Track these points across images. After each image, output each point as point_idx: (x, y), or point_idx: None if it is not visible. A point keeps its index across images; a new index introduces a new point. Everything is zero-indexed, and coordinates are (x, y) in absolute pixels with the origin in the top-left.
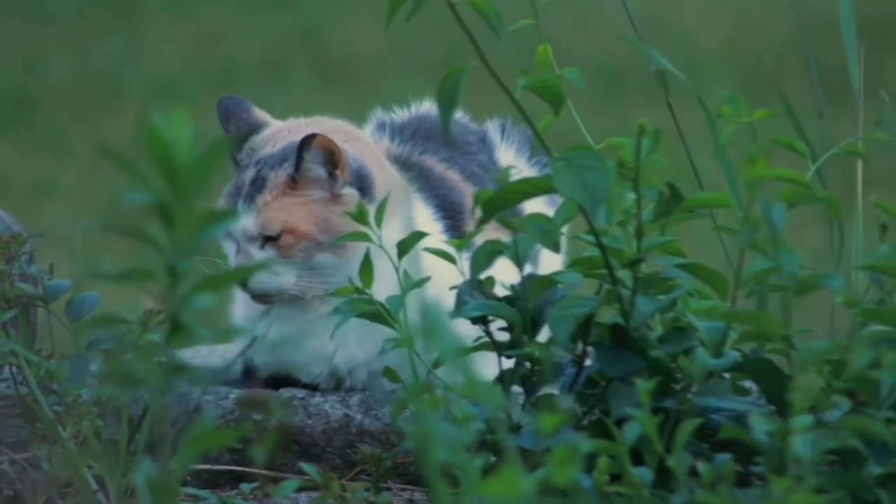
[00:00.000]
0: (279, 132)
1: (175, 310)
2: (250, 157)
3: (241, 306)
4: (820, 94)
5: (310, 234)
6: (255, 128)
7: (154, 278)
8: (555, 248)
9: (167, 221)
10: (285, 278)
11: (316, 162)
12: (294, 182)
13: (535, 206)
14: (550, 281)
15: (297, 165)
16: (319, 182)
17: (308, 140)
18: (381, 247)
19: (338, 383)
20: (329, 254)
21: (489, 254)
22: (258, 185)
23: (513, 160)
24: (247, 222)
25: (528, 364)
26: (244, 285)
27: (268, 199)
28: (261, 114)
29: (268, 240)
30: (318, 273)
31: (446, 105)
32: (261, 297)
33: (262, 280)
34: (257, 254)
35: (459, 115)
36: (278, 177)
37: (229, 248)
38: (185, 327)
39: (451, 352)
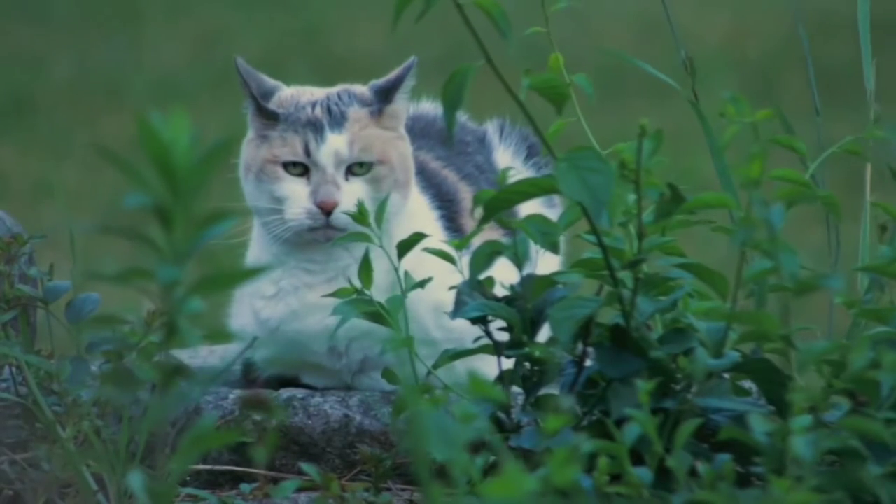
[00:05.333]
0: (304, 91)
1: (173, 311)
2: (296, 105)
3: (240, 306)
4: (818, 93)
5: (395, 167)
6: (272, 89)
7: (152, 279)
8: (554, 249)
9: (165, 223)
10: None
11: (405, 95)
12: (379, 114)
13: (531, 206)
14: (550, 281)
15: (390, 98)
16: (400, 118)
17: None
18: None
19: (336, 362)
20: (396, 192)
21: (489, 254)
22: (336, 117)
23: (510, 161)
24: (340, 145)
25: (528, 364)
26: (328, 215)
27: (356, 128)
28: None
29: (353, 169)
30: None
31: (450, 105)
32: (339, 229)
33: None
34: (344, 184)
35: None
36: (358, 111)
37: (293, 184)
38: (183, 328)
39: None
